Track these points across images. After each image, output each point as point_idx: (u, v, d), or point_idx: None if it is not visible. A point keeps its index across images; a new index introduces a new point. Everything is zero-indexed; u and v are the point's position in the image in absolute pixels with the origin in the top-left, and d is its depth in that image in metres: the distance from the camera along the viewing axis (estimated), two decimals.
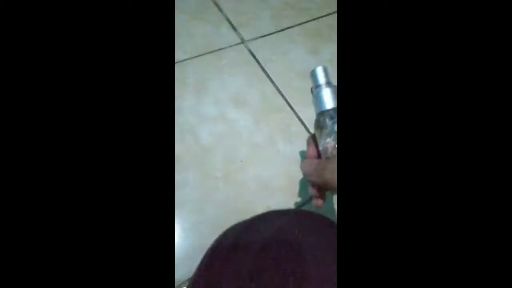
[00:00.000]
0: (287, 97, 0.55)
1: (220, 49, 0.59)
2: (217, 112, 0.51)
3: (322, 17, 0.68)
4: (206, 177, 0.45)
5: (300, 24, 0.66)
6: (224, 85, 0.55)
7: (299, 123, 0.53)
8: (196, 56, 0.57)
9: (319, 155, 0.27)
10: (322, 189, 0.26)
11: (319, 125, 0.27)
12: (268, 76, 0.57)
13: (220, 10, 0.65)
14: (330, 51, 0.62)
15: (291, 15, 0.67)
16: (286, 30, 0.65)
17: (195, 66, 0.56)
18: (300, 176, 0.46)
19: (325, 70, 0.27)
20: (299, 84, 0.57)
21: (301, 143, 0.51)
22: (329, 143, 0.25)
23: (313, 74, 0.27)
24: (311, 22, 0.67)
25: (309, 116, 0.53)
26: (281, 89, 0.56)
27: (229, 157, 0.47)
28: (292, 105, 0.54)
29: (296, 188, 0.46)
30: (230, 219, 0.42)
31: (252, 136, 0.50)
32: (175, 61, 0.56)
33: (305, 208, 0.44)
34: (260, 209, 0.43)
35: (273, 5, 0.69)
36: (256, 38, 0.62)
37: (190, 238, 0.40)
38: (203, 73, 0.56)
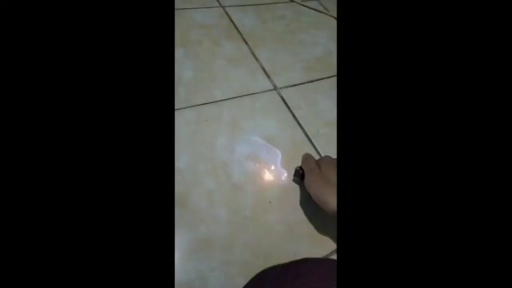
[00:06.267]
0: (315, 144, 0.57)
1: (254, 93, 0.63)
2: (249, 151, 0.53)
3: None
4: (235, 214, 0.45)
5: (328, 77, 0.71)
6: (256, 127, 0.57)
7: None
8: (232, 98, 0.61)
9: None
10: None
11: None
12: (298, 122, 0.60)
13: (256, 59, 0.71)
14: None
15: (321, 69, 0.73)
16: (316, 82, 0.69)
17: (231, 106, 0.60)
18: (325, 225, 0.46)
19: None
20: (326, 131, 0.59)
21: None
22: None
23: None
24: None
25: None
26: (309, 136, 0.58)
27: (258, 197, 0.48)
28: (320, 152, 0.56)
29: (319, 236, 0.45)
30: (257, 262, 0.42)
31: (282, 179, 0.51)
32: (213, 101, 0.60)
33: (332, 258, 0.43)
34: (286, 255, 0.43)
35: (304, 58, 0.74)
36: (288, 87, 0.67)
37: (219, 278, 0.39)
38: (237, 113, 0.59)
